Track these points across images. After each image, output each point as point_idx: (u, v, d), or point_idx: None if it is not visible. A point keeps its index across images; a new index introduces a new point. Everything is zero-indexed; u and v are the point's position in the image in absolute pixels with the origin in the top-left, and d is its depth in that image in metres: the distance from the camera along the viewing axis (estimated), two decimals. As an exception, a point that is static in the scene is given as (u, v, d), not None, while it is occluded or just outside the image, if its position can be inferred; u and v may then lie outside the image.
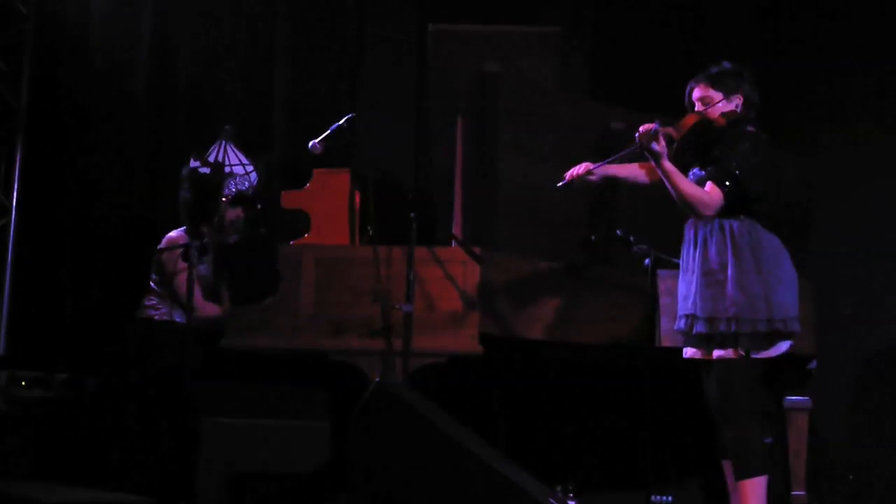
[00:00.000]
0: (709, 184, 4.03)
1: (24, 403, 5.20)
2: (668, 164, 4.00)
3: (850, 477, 5.59)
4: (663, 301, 4.75)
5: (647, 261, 4.66)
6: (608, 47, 6.21)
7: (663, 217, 4.64)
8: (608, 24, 6.24)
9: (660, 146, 3.97)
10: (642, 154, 4.07)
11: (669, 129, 4.04)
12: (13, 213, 6.19)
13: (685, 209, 4.08)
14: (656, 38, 6.11)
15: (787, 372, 4.60)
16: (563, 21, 5.76)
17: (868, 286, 5.69)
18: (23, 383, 5.26)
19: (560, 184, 4.37)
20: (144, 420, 4.90)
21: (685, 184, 4.02)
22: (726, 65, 4.17)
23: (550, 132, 5.17)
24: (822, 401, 5.11)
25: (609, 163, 4.28)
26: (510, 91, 5.05)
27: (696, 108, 4.18)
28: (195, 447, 4.34)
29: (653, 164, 4.04)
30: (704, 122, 4.09)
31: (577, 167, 4.34)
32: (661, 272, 4.74)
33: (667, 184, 4.02)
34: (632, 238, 4.77)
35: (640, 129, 4.00)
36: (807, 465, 4.89)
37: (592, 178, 4.36)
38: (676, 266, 4.46)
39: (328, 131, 4.93)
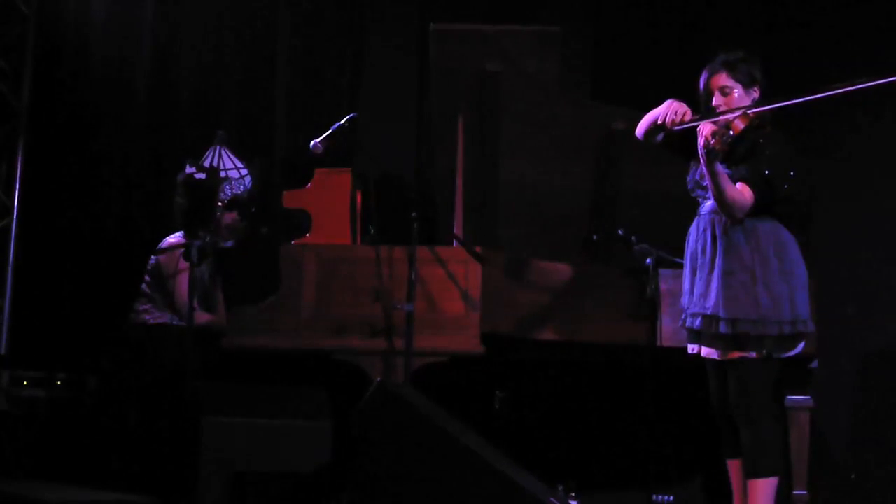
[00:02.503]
0: (740, 184, 4.00)
1: (25, 403, 5.20)
2: (719, 165, 3.95)
3: (852, 476, 5.59)
4: (664, 301, 4.74)
5: (648, 260, 4.66)
6: (609, 47, 6.20)
7: (664, 217, 4.64)
8: (609, 23, 6.24)
9: (721, 148, 3.92)
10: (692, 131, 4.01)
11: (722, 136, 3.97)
12: (14, 213, 6.19)
13: (722, 209, 4.03)
14: (657, 38, 6.10)
15: (788, 371, 4.59)
16: (563, 20, 5.75)
17: (869, 285, 5.69)
18: (24, 383, 5.26)
19: (661, 121, 4.15)
20: (145, 419, 4.90)
21: (730, 186, 3.97)
22: (740, 53, 4.14)
23: (551, 132, 5.18)
24: (823, 400, 5.11)
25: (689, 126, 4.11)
26: (511, 90, 5.05)
27: (713, 98, 4.13)
28: (196, 447, 4.34)
29: (703, 160, 3.94)
30: (750, 126, 4.04)
31: (675, 113, 4.10)
32: (662, 272, 4.74)
33: (711, 183, 3.97)
34: (633, 238, 4.77)
35: (708, 132, 3.89)
36: (808, 465, 4.88)
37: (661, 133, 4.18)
38: (678, 266, 4.45)
39: (329, 131, 4.94)
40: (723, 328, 3.99)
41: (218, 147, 5.04)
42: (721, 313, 4.00)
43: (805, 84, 5.88)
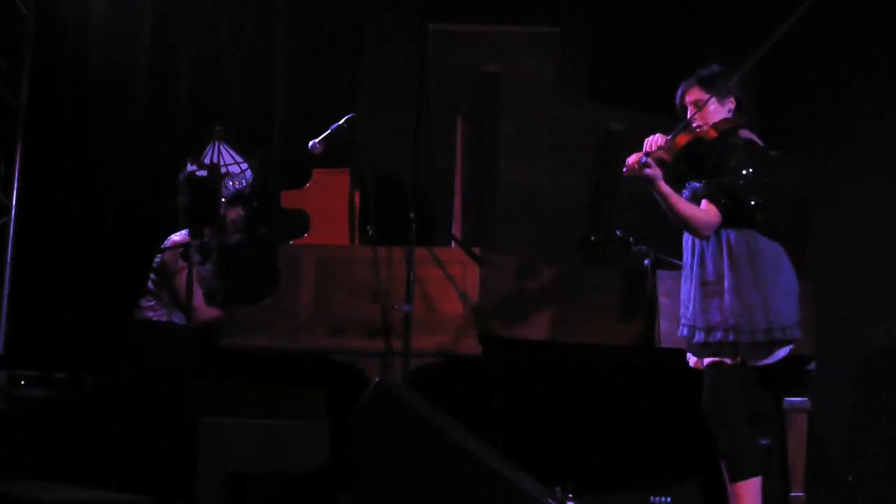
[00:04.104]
0: (704, 202, 4.00)
1: (23, 403, 5.19)
2: (664, 187, 3.95)
3: (849, 478, 5.59)
4: (663, 302, 4.74)
5: (646, 261, 4.67)
6: (608, 47, 6.20)
7: (663, 218, 4.64)
8: (608, 24, 6.24)
9: (653, 171, 3.93)
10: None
11: (660, 153, 3.97)
12: (13, 211, 6.19)
13: (684, 229, 4.06)
14: (656, 39, 6.10)
15: (786, 373, 4.60)
16: (562, 21, 5.76)
17: (867, 287, 5.69)
18: (22, 382, 5.25)
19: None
20: (144, 420, 4.90)
21: (682, 205, 3.99)
22: (716, 67, 4.14)
23: (550, 132, 5.18)
24: (821, 402, 5.11)
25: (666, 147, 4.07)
26: (510, 91, 5.05)
27: (688, 113, 4.14)
28: (194, 447, 4.34)
29: (648, 188, 3.97)
30: (696, 140, 4.03)
31: (649, 144, 4.03)
32: (660, 273, 4.74)
33: (662, 206, 3.99)
34: (631, 239, 4.78)
35: (628, 161, 3.95)
36: (806, 467, 4.88)
37: None
38: (676, 267, 4.46)
39: (328, 131, 4.94)
40: (699, 337, 4.03)
41: (217, 143, 5.04)
42: (697, 323, 4.04)
43: (804, 83, 5.93)
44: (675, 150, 3.99)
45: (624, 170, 3.99)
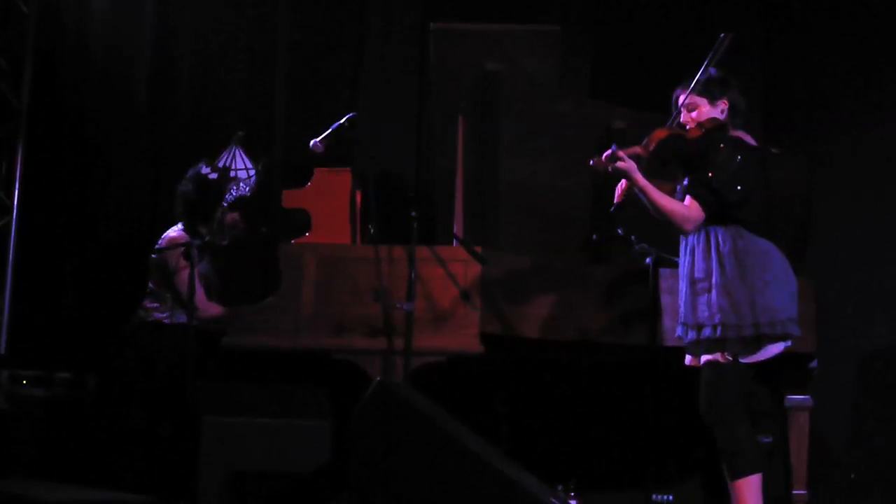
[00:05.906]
0: (687, 197, 4.01)
1: (25, 402, 5.20)
2: (641, 180, 3.95)
3: (852, 476, 5.59)
4: (664, 300, 4.75)
5: (648, 259, 4.66)
6: (609, 45, 6.20)
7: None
8: (609, 23, 6.24)
9: (626, 164, 3.93)
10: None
11: (636, 148, 3.97)
12: (14, 212, 6.19)
13: (666, 224, 4.06)
14: (657, 38, 6.10)
15: (787, 371, 4.60)
16: (563, 20, 5.76)
17: (869, 285, 5.69)
18: (24, 382, 5.26)
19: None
20: (145, 419, 4.91)
21: (663, 200, 3.99)
22: (712, 72, 4.14)
23: (551, 131, 5.18)
24: (823, 399, 5.11)
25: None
26: (511, 90, 5.05)
27: (681, 116, 4.15)
28: (197, 446, 4.34)
29: (627, 182, 3.98)
30: (675, 136, 4.05)
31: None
32: (662, 271, 4.74)
33: (644, 201, 3.99)
34: (633, 237, 4.77)
35: (602, 157, 3.96)
36: (808, 464, 4.88)
37: None
38: (677, 265, 4.46)
39: (329, 130, 4.93)
40: (691, 335, 4.04)
41: (234, 148, 5.06)
42: (688, 321, 4.05)
43: (807, 80, 5.93)
44: (651, 145, 3.99)
45: (591, 162, 3.97)
